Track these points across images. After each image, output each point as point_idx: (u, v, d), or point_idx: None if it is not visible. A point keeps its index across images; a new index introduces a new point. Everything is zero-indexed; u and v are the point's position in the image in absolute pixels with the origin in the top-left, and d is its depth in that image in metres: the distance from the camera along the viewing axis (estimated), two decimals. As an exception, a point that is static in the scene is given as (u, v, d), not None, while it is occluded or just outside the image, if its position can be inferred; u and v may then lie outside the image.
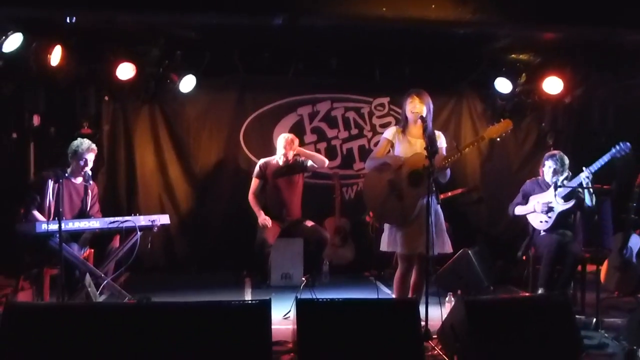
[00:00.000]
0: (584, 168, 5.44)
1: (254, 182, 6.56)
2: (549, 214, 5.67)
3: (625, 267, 5.84)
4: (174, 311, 3.78)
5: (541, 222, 5.74)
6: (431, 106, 4.72)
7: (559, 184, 5.60)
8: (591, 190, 5.42)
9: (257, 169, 6.59)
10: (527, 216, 5.85)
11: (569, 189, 5.55)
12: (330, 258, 6.81)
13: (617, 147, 5.41)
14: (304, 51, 6.92)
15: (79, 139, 5.50)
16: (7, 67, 5.78)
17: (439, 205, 4.66)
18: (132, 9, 4.94)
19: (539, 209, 5.71)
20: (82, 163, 5.37)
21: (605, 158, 5.40)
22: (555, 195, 5.62)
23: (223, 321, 3.68)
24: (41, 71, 5.94)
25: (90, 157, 5.41)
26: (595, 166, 5.41)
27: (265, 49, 6.89)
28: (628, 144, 5.40)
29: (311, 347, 3.68)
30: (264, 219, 6.39)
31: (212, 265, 7.10)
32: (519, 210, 5.88)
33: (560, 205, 5.62)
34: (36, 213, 5.21)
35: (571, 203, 5.58)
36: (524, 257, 5.97)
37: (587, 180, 5.40)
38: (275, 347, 3.95)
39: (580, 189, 5.48)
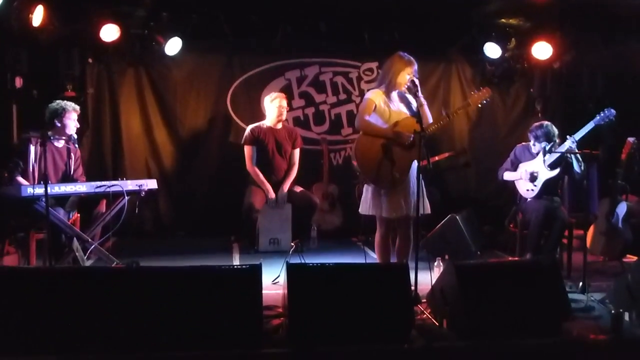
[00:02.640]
0: (567, 136, 5.46)
1: (248, 150, 6.43)
2: (535, 183, 5.70)
3: (611, 232, 5.90)
4: (164, 276, 3.76)
5: (527, 190, 5.78)
6: (416, 69, 4.71)
7: (547, 149, 5.61)
8: (579, 156, 5.43)
9: (248, 134, 6.45)
10: (515, 183, 5.87)
11: (556, 156, 5.56)
12: (319, 223, 6.81)
13: (602, 114, 5.43)
14: (293, 14, 6.80)
15: (58, 100, 5.39)
16: (-13, 27, 5.64)
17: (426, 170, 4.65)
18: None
19: (526, 177, 5.73)
20: (63, 125, 5.27)
21: (589, 126, 5.43)
22: (544, 161, 5.63)
23: (213, 286, 3.66)
24: (23, 32, 5.80)
25: (73, 117, 5.31)
26: (580, 134, 5.44)
27: (253, 11, 6.76)
28: (612, 110, 5.42)
29: (302, 312, 3.69)
30: (272, 194, 6.33)
31: (200, 230, 7.07)
32: (508, 175, 5.91)
33: (546, 173, 5.64)
34: (20, 179, 5.12)
35: (557, 171, 5.61)
36: (511, 225, 6.01)
37: (571, 148, 5.43)
38: (266, 311, 3.95)
39: (568, 155, 5.49)
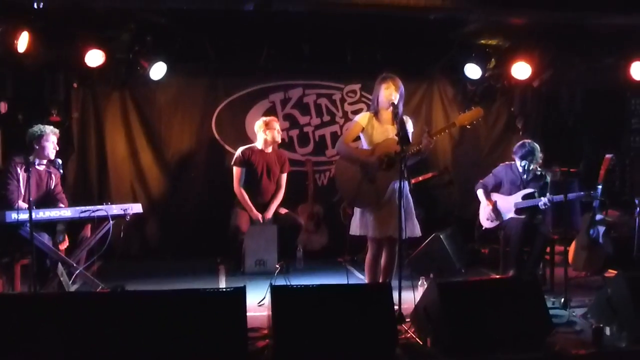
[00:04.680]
0: (547, 194, 5.69)
1: (237, 171, 6.45)
2: (495, 221, 5.86)
3: (592, 247, 5.99)
4: (148, 299, 3.78)
5: (488, 219, 5.93)
6: (403, 91, 4.77)
7: (524, 194, 5.79)
8: (547, 204, 5.66)
9: (238, 156, 6.47)
10: (480, 206, 5.98)
11: (527, 205, 5.74)
12: (304, 244, 6.84)
13: (591, 194, 5.62)
14: (276, 37, 6.89)
15: (38, 125, 5.41)
16: (-28, 53, 5.67)
17: (409, 190, 4.72)
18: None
19: (487, 213, 5.90)
20: (42, 147, 5.29)
21: (569, 196, 5.54)
22: (513, 205, 5.81)
23: (198, 309, 3.69)
24: (8, 57, 5.84)
25: (52, 140, 5.33)
26: (557, 198, 5.60)
27: (236, 35, 6.84)
28: (599, 192, 5.64)
29: (286, 333, 3.72)
30: (256, 214, 6.37)
31: (186, 252, 7.07)
32: (480, 195, 6.01)
33: (511, 215, 5.79)
34: (21, 203, 5.12)
35: (523, 216, 5.74)
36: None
37: (544, 207, 5.66)
38: (251, 333, 3.97)
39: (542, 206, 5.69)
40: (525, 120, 7.66)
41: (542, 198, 5.67)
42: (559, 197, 5.55)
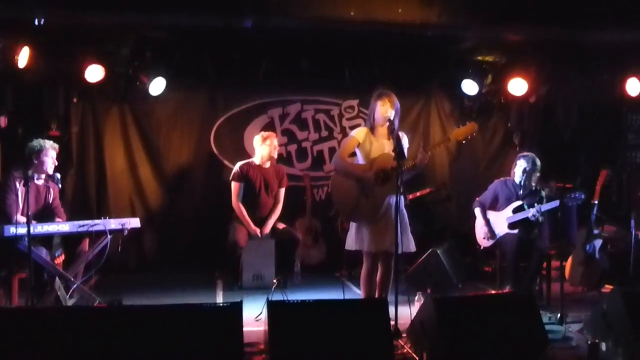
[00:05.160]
0: (535, 204, 5.68)
1: (236, 186, 6.48)
2: (490, 239, 5.89)
3: (588, 262, 6.00)
4: (145, 314, 3.78)
5: (484, 238, 5.95)
6: (398, 108, 4.81)
7: (513, 208, 5.81)
8: (540, 219, 5.69)
9: (237, 171, 6.49)
10: (476, 224, 6.01)
11: (519, 218, 5.76)
12: (302, 258, 6.86)
13: (571, 196, 5.59)
14: (274, 53, 6.94)
15: (38, 139, 5.44)
16: (-27, 67, 5.72)
17: (404, 205, 4.74)
18: (103, 9, 4.92)
19: (483, 232, 5.94)
20: (40, 161, 5.31)
21: (555, 203, 5.58)
22: (505, 220, 5.84)
23: (195, 324, 3.69)
24: (9, 71, 5.89)
25: (51, 155, 5.36)
26: (546, 207, 5.63)
27: (235, 50, 6.90)
28: (582, 195, 5.60)
29: (282, 349, 3.72)
30: (255, 229, 6.39)
31: (184, 266, 7.08)
32: (477, 213, 6.04)
33: (504, 231, 5.82)
34: (20, 217, 5.14)
35: (515, 231, 5.76)
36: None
37: (534, 218, 5.67)
38: (247, 348, 3.97)
39: (532, 218, 5.69)
40: (522, 135, 7.71)
41: (530, 209, 5.68)
42: (547, 206, 5.58)
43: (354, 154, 4.92)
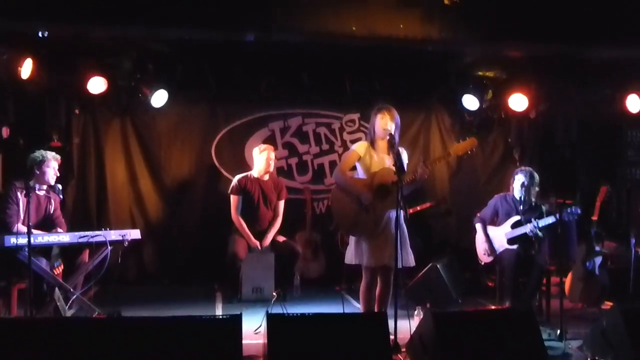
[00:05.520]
0: (532, 219, 5.68)
1: (234, 199, 6.49)
2: (490, 255, 5.90)
3: (588, 278, 6.00)
4: (144, 326, 3.78)
5: (484, 254, 5.95)
6: (399, 122, 4.83)
7: (512, 223, 5.83)
8: (540, 234, 5.69)
9: (235, 184, 6.51)
10: (476, 240, 6.02)
11: (518, 234, 5.77)
12: (302, 272, 6.85)
13: (567, 211, 5.57)
14: (275, 66, 6.98)
15: (40, 150, 5.47)
16: (-24, 79, 5.75)
17: (403, 219, 4.75)
18: (106, 23, 4.95)
19: (483, 247, 5.95)
20: (42, 172, 5.33)
21: (552, 219, 5.58)
22: (504, 235, 5.85)
23: (194, 336, 3.69)
24: (11, 83, 5.91)
25: (53, 166, 5.38)
26: (542, 222, 5.64)
27: (236, 64, 6.94)
28: (578, 210, 5.58)
29: (281, 361, 3.72)
30: (255, 242, 6.40)
31: (183, 278, 7.08)
32: (478, 229, 6.05)
33: (504, 246, 5.83)
34: (21, 226, 5.15)
35: (515, 246, 5.77)
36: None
37: (531, 233, 5.67)
38: (246, 361, 3.97)
39: (530, 234, 5.70)
40: (522, 150, 7.74)
41: (527, 225, 5.69)
42: (544, 221, 5.58)
43: (354, 168, 4.94)
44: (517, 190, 5.91)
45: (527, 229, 5.67)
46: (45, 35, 5.38)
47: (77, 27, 5.23)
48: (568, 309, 5.51)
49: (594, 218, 6.02)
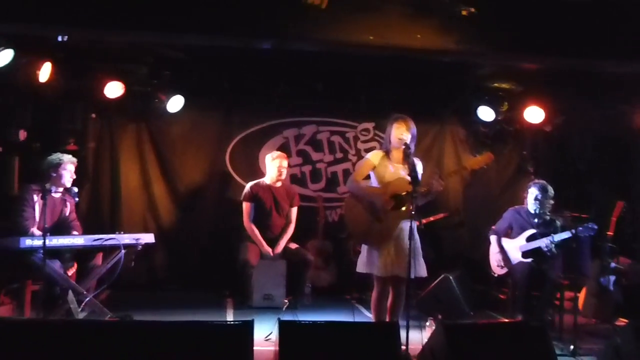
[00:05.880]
0: (549, 234, 5.67)
1: (247, 206, 6.52)
2: (504, 268, 5.88)
3: (602, 294, 5.94)
4: (155, 330, 3.79)
5: (498, 265, 5.92)
6: (415, 132, 4.83)
7: (527, 236, 5.81)
8: (554, 250, 5.66)
9: (247, 191, 6.55)
10: (490, 252, 5.98)
11: (532, 247, 5.76)
12: (313, 280, 6.84)
13: (584, 227, 5.56)
14: (291, 74, 7.01)
15: (56, 153, 5.51)
16: (-5, 82, 5.80)
17: (416, 230, 4.73)
18: (123, 28, 4.98)
19: (496, 259, 5.94)
20: (59, 175, 5.37)
21: (569, 234, 5.55)
22: (519, 248, 5.83)
23: (205, 341, 3.69)
24: (29, 87, 5.96)
25: (69, 169, 5.42)
26: (558, 237, 5.62)
27: (252, 71, 6.97)
28: (595, 226, 5.56)
29: (292, 369, 3.71)
30: (267, 249, 6.41)
31: (194, 284, 7.09)
32: (492, 241, 6.03)
33: (517, 259, 5.80)
34: (35, 230, 5.18)
35: (529, 260, 5.74)
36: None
37: (546, 248, 5.65)
38: (257, 368, 3.96)
39: (544, 248, 5.67)
40: (537, 164, 7.70)
41: (543, 239, 5.65)
42: (560, 236, 5.54)
43: (368, 177, 4.93)
44: (531, 204, 5.88)
45: (542, 243, 5.64)
46: (65, 39, 5.43)
47: (95, 33, 5.25)
48: (581, 325, 5.45)
49: (610, 233, 5.97)
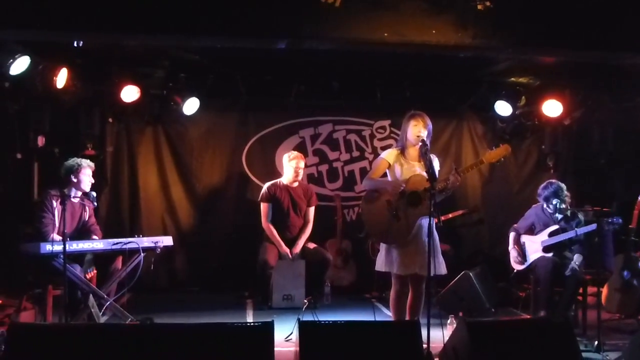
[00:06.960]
0: (576, 230, 5.63)
1: (264, 207, 6.54)
2: (522, 263, 5.84)
3: (626, 288, 5.85)
4: (176, 333, 3.80)
5: (516, 261, 5.87)
6: (431, 129, 4.79)
7: (550, 231, 5.78)
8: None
9: (264, 192, 6.57)
10: (510, 248, 5.96)
11: (555, 241, 5.71)
12: (332, 279, 6.83)
13: (609, 220, 5.49)
14: (306, 74, 7.00)
15: (75, 158, 5.55)
16: (13, 88, 5.85)
17: (434, 227, 4.69)
18: (139, 32, 5.00)
19: (513, 256, 5.91)
20: (78, 180, 5.41)
21: (593, 226, 5.50)
22: (540, 243, 5.79)
23: (226, 343, 3.69)
24: (47, 92, 6.01)
25: (87, 173, 5.45)
26: (583, 230, 5.59)
27: (267, 72, 6.97)
28: (620, 219, 5.48)
29: (313, 369, 3.69)
30: (285, 249, 6.41)
31: (214, 286, 7.12)
32: (511, 237, 6.00)
33: (538, 253, 5.73)
34: (55, 235, 5.22)
35: (550, 254, 5.68)
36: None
37: (573, 237, 5.63)
38: (278, 369, 3.95)
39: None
40: (556, 158, 7.60)
41: (570, 232, 5.60)
42: (584, 229, 5.48)
43: (384, 176, 4.90)
44: (550, 203, 5.84)
45: (568, 236, 5.59)
46: (80, 44, 5.46)
47: (111, 37, 5.29)
48: (605, 320, 5.38)
49: (632, 226, 5.88)
